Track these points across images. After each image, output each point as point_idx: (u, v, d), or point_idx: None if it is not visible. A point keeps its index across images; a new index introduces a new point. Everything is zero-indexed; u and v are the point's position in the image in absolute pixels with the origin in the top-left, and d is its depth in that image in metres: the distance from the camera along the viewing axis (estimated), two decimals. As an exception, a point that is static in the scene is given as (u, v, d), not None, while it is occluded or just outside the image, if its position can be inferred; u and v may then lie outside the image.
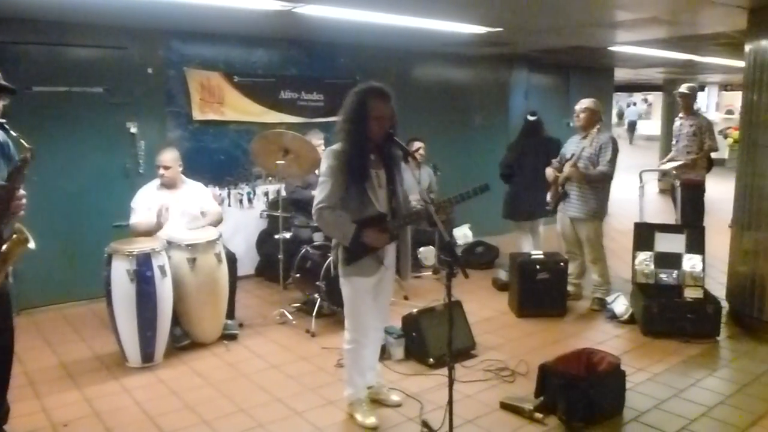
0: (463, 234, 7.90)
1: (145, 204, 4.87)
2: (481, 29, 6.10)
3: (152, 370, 4.39)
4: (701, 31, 6.59)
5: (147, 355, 4.43)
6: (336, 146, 3.41)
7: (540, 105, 8.14)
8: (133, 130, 6.03)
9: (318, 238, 5.69)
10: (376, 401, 3.83)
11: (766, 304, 5.02)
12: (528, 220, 6.58)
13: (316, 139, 5.91)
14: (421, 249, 6.83)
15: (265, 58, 6.78)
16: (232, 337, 4.96)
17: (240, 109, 6.58)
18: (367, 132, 3.32)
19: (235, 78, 6.51)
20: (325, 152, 3.48)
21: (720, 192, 5.50)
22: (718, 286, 5.71)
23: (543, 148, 6.24)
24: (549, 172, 5.79)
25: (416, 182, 3.72)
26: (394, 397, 3.88)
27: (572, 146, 5.73)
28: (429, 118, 8.04)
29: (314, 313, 5.16)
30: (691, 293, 5.13)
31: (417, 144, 6.71)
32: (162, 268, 4.39)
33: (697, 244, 5.44)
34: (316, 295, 5.24)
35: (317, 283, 5.17)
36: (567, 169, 5.55)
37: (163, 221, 4.80)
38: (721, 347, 4.88)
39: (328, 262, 4.72)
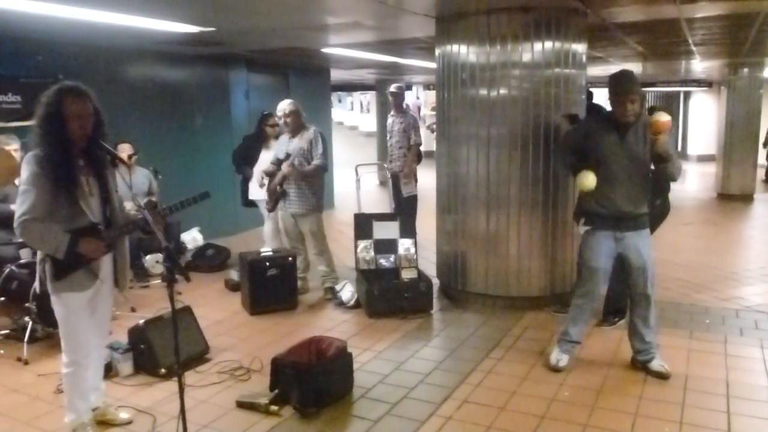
0: (192, 237, 7.73)
1: None
2: (193, 28, 5.98)
3: None
4: (400, 36, 7.26)
5: None
6: (37, 151, 3.09)
7: (262, 104, 8.24)
8: None
9: (26, 255, 5.10)
10: (104, 422, 3.60)
11: (467, 277, 5.74)
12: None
13: (11, 144, 5.29)
14: (147, 257, 6.51)
15: (-59, 53, 5.86)
16: None
17: None
18: (66, 134, 3.08)
19: None
20: (26, 158, 3.14)
21: (431, 180, 6.19)
22: (430, 265, 6.35)
23: None
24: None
25: (128, 188, 3.54)
26: (123, 415, 3.67)
27: (282, 146, 5.93)
28: (146, 119, 7.68)
29: (26, 339, 4.63)
30: (407, 274, 5.67)
31: (126, 147, 6.36)
32: None
33: (409, 229, 6.02)
34: (27, 318, 4.71)
35: (26, 305, 4.65)
36: (284, 169, 5.71)
37: None
38: (434, 319, 5.46)
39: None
